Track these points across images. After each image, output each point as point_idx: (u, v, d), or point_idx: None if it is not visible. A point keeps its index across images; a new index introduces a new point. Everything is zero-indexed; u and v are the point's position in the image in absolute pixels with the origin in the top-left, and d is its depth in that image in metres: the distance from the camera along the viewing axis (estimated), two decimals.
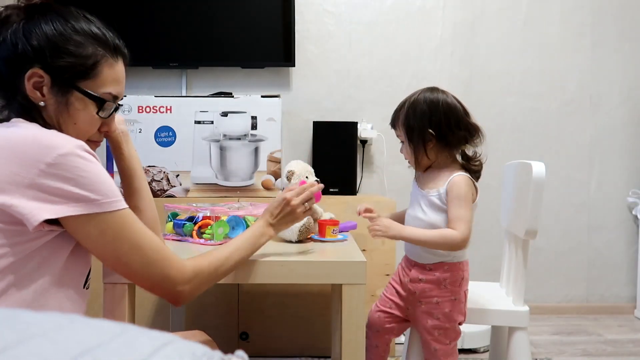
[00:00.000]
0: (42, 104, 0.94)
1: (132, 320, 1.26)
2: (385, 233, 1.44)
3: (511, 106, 2.88)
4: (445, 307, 1.46)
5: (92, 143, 1.03)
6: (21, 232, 0.85)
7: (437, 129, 1.43)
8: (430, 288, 1.47)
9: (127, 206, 0.93)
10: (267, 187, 2.35)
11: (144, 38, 2.64)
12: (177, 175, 2.33)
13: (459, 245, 1.40)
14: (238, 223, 1.57)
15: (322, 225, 1.55)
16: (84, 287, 0.99)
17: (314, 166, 2.33)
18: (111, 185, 0.89)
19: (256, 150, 2.34)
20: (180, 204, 1.73)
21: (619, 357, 2.27)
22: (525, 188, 1.55)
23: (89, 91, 0.97)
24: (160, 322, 2.17)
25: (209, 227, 1.49)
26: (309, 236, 1.54)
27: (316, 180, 1.55)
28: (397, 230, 1.44)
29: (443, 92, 1.49)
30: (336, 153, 2.50)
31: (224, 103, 2.34)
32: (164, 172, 2.32)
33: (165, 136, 2.32)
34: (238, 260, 1.15)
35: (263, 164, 2.34)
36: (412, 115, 1.46)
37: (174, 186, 2.32)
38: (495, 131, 2.88)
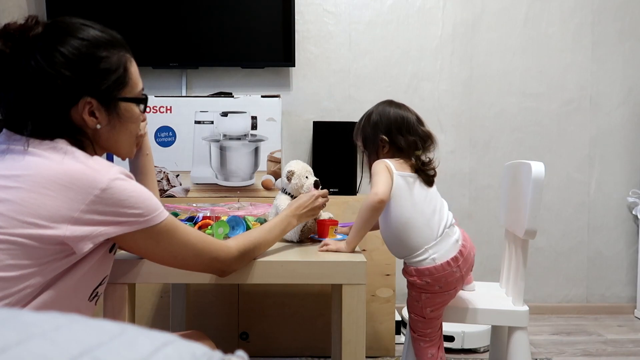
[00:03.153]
0: (98, 126, 0.98)
1: (132, 320, 1.26)
2: (337, 249, 1.41)
3: (511, 106, 2.88)
4: (407, 303, 1.54)
5: (139, 137, 1.11)
6: (58, 251, 0.88)
7: (388, 135, 1.53)
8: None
9: (169, 214, 1.00)
10: (267, 187, 2.35)
11: (144, 38, 2.64)
12: (177, 175, 2.33)
13: (374, 200, 1.40)
14: (238, 223, 1.57)
15: (322, 225, 1.55)
16: (90, 300, 1.00)
17: (314, 166, 2.33)
18: (152, 199, 0.97)
19: (256, 150, 2.34)
20: (180, 204, 1.73)
21: (619, 357, 2.27)
22: (525, 188, 1.55)
23: (131, 97, 1.03)
24: (160, 322, 2.17)
25: (209, 227, 1.49)
26: (308, 236, 1.54)
27: (316, 181, 1.56)
28: (343, 244, 1.42)
29: (397, 104, 1.60)
30: (336, 153, 2.50)
31: (224, 103, 2.34)
32: (164, 172, 2.32)
33: (165, 136, 2.32)
34: (270, 241, 1.30)
35: (263, 164, 2.34)
36: (366, 125, 1.59)
37: (174, 186, 2.32)
38: (495, 131, 2.88)
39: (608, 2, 2.88)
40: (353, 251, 1.40)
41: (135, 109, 1.05)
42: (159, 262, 1.06)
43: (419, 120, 1.57)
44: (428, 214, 1.48)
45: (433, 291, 1.47)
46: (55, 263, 0.89)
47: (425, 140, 1.54)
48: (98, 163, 0.92)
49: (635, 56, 2.90)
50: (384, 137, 1.53)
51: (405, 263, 1.52)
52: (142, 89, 1.09)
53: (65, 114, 0.95)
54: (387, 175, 1.45)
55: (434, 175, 1.53)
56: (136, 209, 0.93)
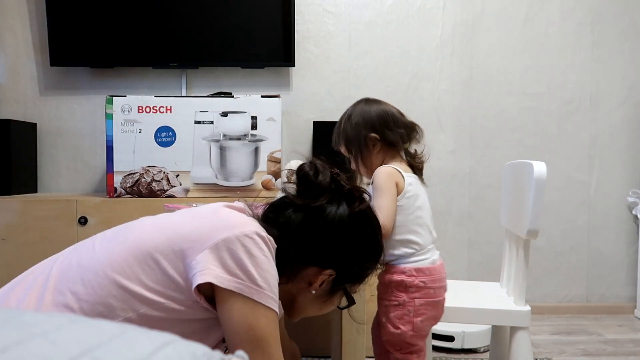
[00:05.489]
0: (314, 292, 1.00)
1: None
2: None
3: (511, 106, 2.88)
4: (390, 311, 1.42)
5: None
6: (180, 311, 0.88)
7: (376, 131, 1.48)
8: (382, 290, 1.45)
9: (276, 311, 0.91)
10: (267, 187, 2.35)
11: (144, 38, 2.64)
12: (177, 175, 2.33)
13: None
14: None
15: None
16: None
17: None
18: (275, 282, 0.92)
19: (256, 150, 2.34)
20: (180, 204, 1.73)
21: (619, 357, 2.27)
22: (526, 188, 1.55)
23: (349, 294, 1.05)
24: None
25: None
26: None
27: None
28: None
29: (375, 100, 1.54)
30: (336, 153, 2.50)
31: (224, 103, 2.34)
32: (164, 172, 2.32)
33: (165, 136, 2.32)
34: None
35: (263, 164, 2.34)
36: (347, 128, 1.51)
37: (174, 186, 2.32)
38: (495, 131, 2.88)
39: (608, 2, 2.88)
40: None
41: (338, 302, 1.07)
42: (226, 338, 0.92)
43: (400, 113, 1.54)
44: (429, 215, 1.50)
45: (428, 295, 1.41)
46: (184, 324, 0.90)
47: (411, 131, 1.51)
48: (253, 222, 0.94)
49: (635, 56, 2.90)
50: (373, 134, 1.47)
51: (394, 266, 1.43)
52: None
53: (308, 264, 0.99)
54: (392, 197, 1.40)
55: (422, 168, 1.52)
56: (256, 271, 0.88)
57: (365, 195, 1.06)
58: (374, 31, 2.83)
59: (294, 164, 1.58)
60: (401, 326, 1.40)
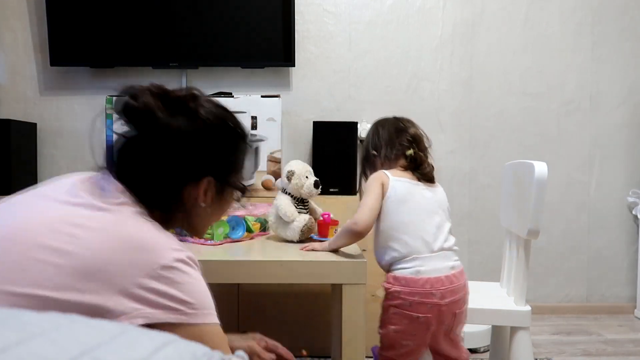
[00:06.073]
0: (203, 205, 0.96)
1: None
2: (313, 248, 1.44)
3: (511, 106, 2.88)
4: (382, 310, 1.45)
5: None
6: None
7: (375, 148, 1.56)
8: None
9: (218, 322, 0.88)
10: (267, 187, 2.35)
11: (144, 38, 2.64)
12: None
13: (352, 228, 1.38)
14: (238, 223, 1.57)
15: (323, 225, 1.55)
16: None
17: (314, 166, 2.33)
18: (209, 296, 0.88)
19: (256, 150, 2.34)
20: None
21: (619, 357, 2.27)
22: (527, 188, 1.55)
23: (240, 184, 1.02)
24: None
25: (209, 227, 1.48)
26: (309, 236, 1.54)
27: (316, 181, 1.55)
28: (322, 245, 1.44)
29: (379, 120, 1.62)
30: (336, 153, 2.50)
31: (224, 103, 2.34)
32: None
33: None
34: None
35: (263, 164, 2.34)
36: (362, 153, 1.65)
37: None
38: (495, 131, 2.88)
39: (608, 2, 2.88)
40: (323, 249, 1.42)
41: (234, 196, 1.04)
42: None
43: (403, 124, 1.57)
44: (426, 223, 1.43)
45: (402, 307, 1.37)
46: None
47: (412, 139, 1.54)
48: (170, 239, 0.87)
49: (635, 56, 2.90)
50: (373, 152, 1.56)
51: (386, 273, 1.44)
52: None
53: (182, 186, 0.94)
54: (375, 196, 1.42)
55: (430, 171, 1.52)
56: (188, 296, 0.83)
57: (196, 91, 1.00)
58: (374, 31, 2.83)
59: (294, 164, 1.58)
60: (381, 328, 1.44)
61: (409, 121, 1.60)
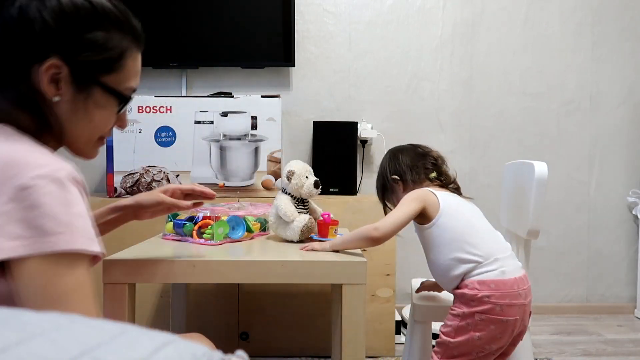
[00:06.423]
0: (56, 99, 0.79)
1: (132, 320, 1.26)
2: (313, 248, 1.41)
3: (511, 106, 2.88)
4: (449, 319, 1.40)
5: (100, 140, 0.91)
6: None
7: (396, 173, 1.56)
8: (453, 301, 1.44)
9: (88, 250, 0.70)
10: (267, 187, 2.35)
11: (144, 38, 2.64)
12: (177, 175, 2.33)
13: (371, 234, 1.36)
14: (238, 223, 1.57)
15: (323, 225, 1.55)
16: None
17: (314, 166, 2.33)
18: (79, 218, 0.71)
19: (256, 150, 2.34)
20: None
21: (619, 357, 2.27)
22: (527, 188, 1.55)
23: (113, 87, 0.86)
24: (160, 322, 2.17)
25: (209, 227, 1.49)
26: (309, 236, 1.54)
27: (316, 181, 1.55)
28: (330, 244, 1.42)
29: (393, 151, 1.63)
30: (336, 153, 2.50)
31: (224, 103, 2.34)
32: (164, 172, 2.32)
33: (165, 136, 2.32)
34: None
35: (263, 164, 2.34)
36: (377, 182, 1.65)
37: None
38: (495, 131, 2.88)
39: (608, 2, 2.88)
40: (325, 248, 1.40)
41: (112, 104, 0.86)
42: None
43: (422, 149, 1.59)
44: (488, 226, 1.47)
45: (491, 312, 1.31)
46: None
47: (436, 162, 1.57)
48: (46, 155, 0.74)
49: (635, 56, 2.90)
50: (394, 176, 1.56)
51: (461, 281, 1.38)
52: (133, 90, 0.92)
53: (22, 66, 0.77)
54: (408, 213, 1.40)
55: (459, 188, 1.58)
56: (42, 220, 0.67)
57: None
58: (374, 31, 2.83)
59: (294, 164, 1.58)
60: (455, 336, 1.35)
61: (425, 146, 1.63)
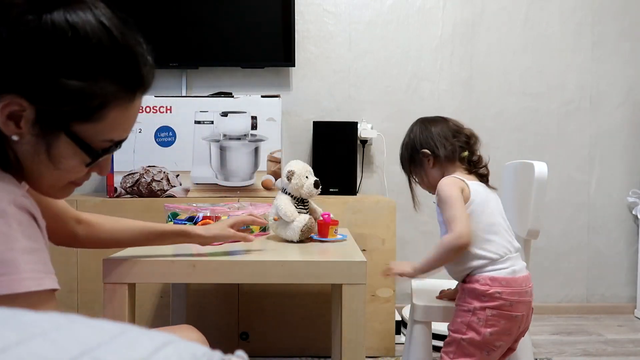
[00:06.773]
0: (14, 138, 0.69)
1: (132, 320, 1.26)
2: (402, 272, 1.43)
3: (511, 106, 2.88)
4: (458, 315, 1.40)
5: (73, 184, 0.80)
6: None
7: (427, 147, 1.50)
8: (458, 297, 1.44)
9: (52, 285, 0.66)
10: (267, 187, 2.35)
11: (144, 38, 2.64)
12: (177, 175, 2.33)
13: (458, 244, 1.35)
14: None
15: (323, 225, 1.55)
16: None
17: (314, 166, 2.33)
18: (21, 258, 0.63)
19: (256, 150, 2.34)
20: (180, 204, 1.73)
21: (619, 357, 2.27)
22: (527, 188, 1.55)
23: (83, 139, 0.72)
24: (160, 322, 2.17)
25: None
26: (308, 236, 1.54)
27: (316, 181, 1.55)
28: (411, 265, 1.44)
29: (427, 118, 1.57)
30: (336, 153, 2.50)
31: (224, 103, 2.34)
32: (164, 172, 2.32)
33: (165, 136, 2.32)
34: None
35: (263, 164, 2.34)
36: (404, 152, 1.58)
37: (174, 186, 2.32)
38: (495, 131, 2.88)
39: (608, 2, 2.87)
40: (410, 274, 1.42)
41: (81, 157, 0.74)
42: None
43: (455, 124, 1.54)
44: (506, 224, 1.46)
45: (502, 307, 1.35)
46: None
47: (469, 140, 1.52)
48: None
49: (635, 56, 2.90)
50: (425, 150, 1.50)
51: (471, 276, 1.40)
52: (115, 143, 0.77)
53: None
54: (460, 201, 1.38)
55: (488, 174, 1.52)
56: None
57: None
58: (374, 31, 2.83)
59: (294, 164, 1.58)
60: (467, 332, 1.36)
61: (457, 121, 1.56)
